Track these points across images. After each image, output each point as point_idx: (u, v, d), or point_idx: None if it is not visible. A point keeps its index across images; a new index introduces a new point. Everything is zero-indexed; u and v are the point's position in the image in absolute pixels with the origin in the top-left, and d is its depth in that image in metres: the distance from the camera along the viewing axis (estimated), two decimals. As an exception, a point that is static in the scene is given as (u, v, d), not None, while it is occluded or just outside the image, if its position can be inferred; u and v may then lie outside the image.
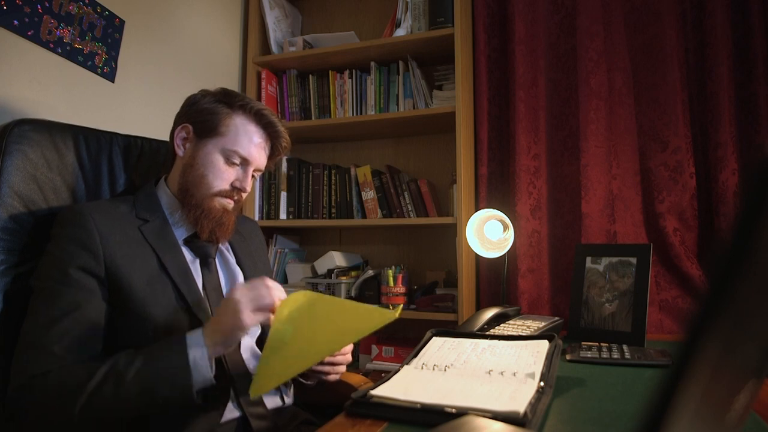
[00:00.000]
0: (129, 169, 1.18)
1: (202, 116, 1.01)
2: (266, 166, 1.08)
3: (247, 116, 1.02)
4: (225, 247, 1.09)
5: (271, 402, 0.97)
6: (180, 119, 1.05)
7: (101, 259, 0.88)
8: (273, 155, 1.09)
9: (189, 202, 0.99)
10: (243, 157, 1.01)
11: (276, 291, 0.84)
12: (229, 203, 1.02)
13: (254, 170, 1.04)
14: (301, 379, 1.03)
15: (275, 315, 0.83)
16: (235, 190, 1.02)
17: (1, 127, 0.99)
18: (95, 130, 1.15)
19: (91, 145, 1.12)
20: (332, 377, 1.00)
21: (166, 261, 0.94)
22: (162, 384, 0.78)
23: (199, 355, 0.79)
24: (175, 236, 0.99)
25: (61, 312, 0.84)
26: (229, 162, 1.00)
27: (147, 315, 0.88)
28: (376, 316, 0.80)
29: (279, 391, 1.00)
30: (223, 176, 1.00)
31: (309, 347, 0.81)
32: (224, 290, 1.02)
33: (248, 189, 1.04)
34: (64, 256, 0.88)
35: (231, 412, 0.91)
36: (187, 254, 1.00)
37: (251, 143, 1.02)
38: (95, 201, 1.06)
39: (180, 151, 1.03)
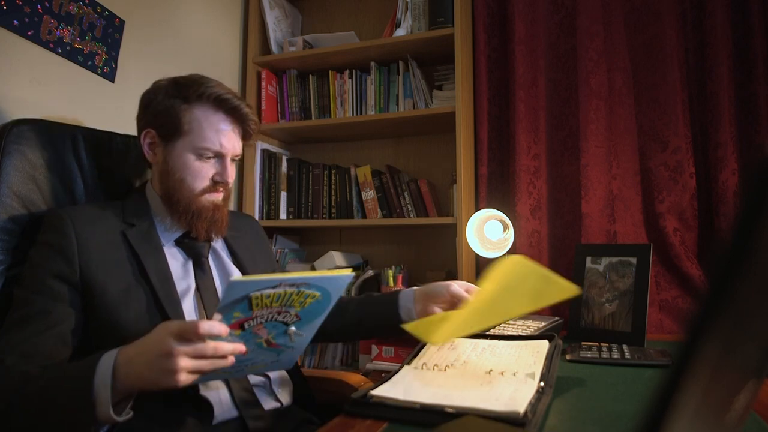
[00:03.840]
0: (127, 169, 1.18)
1: (161, 119, 0.97)
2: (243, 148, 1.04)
3: (207, 105, 0.96)
4: (219, 246, 1.07)
5: (268, 403, 0.96)
6: (141, 125, 1.01)
7: (76, 265, 0.87)
8: (246, 137, 1.04)
9: (177, 208, 0.97)
10: (215, 151, 0.97)
11: (223, 348, 0.70)
12: (217, 197, 1.00)
13: (231, 157, 1.00)
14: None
15: (489, 277, 0.82)
16: (218, 183, 0.99)
17: None
18: (94, 129, 1.15)
19: (90, 144, 1.12)
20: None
21: (147, 265, 0.92)
22: (62, 415, 0.73)
23: (104, 394, 0.71)
24: (161, 240, 0.97)
25: (26, 320, 0.83)
26: (203, 158, 0.97)
27: (119, 322, 0.86)
28: (560, 289, 0.83)
29: (273, 392, 0.99)
30: (201, 174, 0.97)
31: (497, 310, 0.84)
32: (219, 290, 1.00)
33: (230, 179, 1.01)
34: (40, 263, 0.87)
35: (227, 413, 0.89)
36: (179, 255, 0.99)
37: (219, 134, 0.97)
38: (81, 205, 1.04)
39: (151, 158, 1.00)
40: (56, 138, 1.06)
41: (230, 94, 0.98)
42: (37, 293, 0.85)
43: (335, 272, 0.77)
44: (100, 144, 1.14)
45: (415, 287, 1.12)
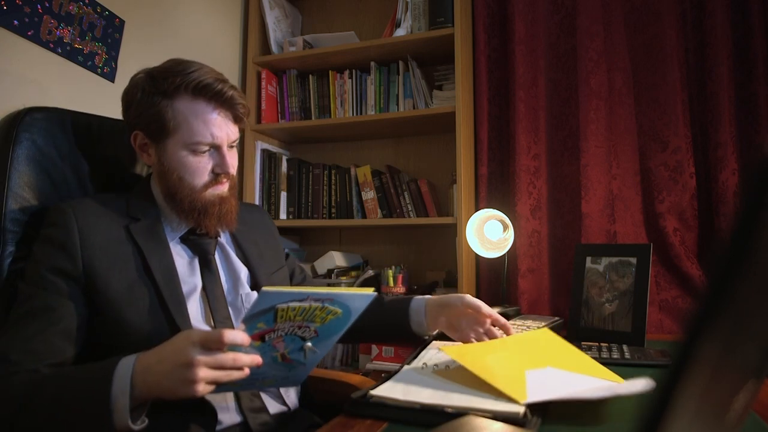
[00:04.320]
0: (140, 159, 1.14)
1: (145, 119, 0.92)
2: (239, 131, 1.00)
3: (187, 96, 0.90)
4: (226, 240, 1.03)
5: (274, 407, 0.94)
6: (127, 126, 0.97)
7: (79, 261, 0.85)
8: (238, 121, 0.97)
9: (182, 207, 0.93)
10: (208, 143, 0.92)
11: (242, 359, 0.70)
12: (222, 189, 0.96)
13: (228, 146, 0.95)
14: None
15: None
16: (219, 174, 0.95)
17: (12, 115, 0.97)
18: (108, 118, 1.12)
19: (104, 133, 1.09)
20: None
21: (152, 262, 0.89)
22: (77, 421, 0.72)
23: (122, 401, 0.70)
24: (166, 236, 0.94)
25: (30, 316, 0.82)
26: (198, 153, 0.92)
27: (123, 318, 0.85)
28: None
29: (281, 395, 0.97)
30: (199, 170, 0.93)
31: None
32: (224, 288, 0.97)
33: (231, 168, 0.96)
34: (43, 258, 0.86)
35: (231, 418, 0.88)
36: (185, 253, 0.96)
37: (208, 125, 0.91)
38: (86, 198, 0.99)
39: (146, 159, 0.97)
40: (68, 126, 1.03)
41: (210, 77, 0.91)
42: (40, 289, 0.83)
43: (360, 290, 0.76)
44: (114, 133, 1.10)
45: (425, 296, 1.09)
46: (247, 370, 0.72)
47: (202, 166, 0.93)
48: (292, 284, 1.20)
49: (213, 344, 0.69)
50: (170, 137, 0.92)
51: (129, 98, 0.95)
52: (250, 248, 1.05)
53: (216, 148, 0.94)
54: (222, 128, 0.93)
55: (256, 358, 0.72)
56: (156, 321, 0.87)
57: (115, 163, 1.12)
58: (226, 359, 0.69)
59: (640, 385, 0.73)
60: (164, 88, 0.90)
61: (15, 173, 0.94)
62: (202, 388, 0.69)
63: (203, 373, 0.68)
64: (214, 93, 0.91)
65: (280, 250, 1.19)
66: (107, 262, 0.87)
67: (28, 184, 0.96)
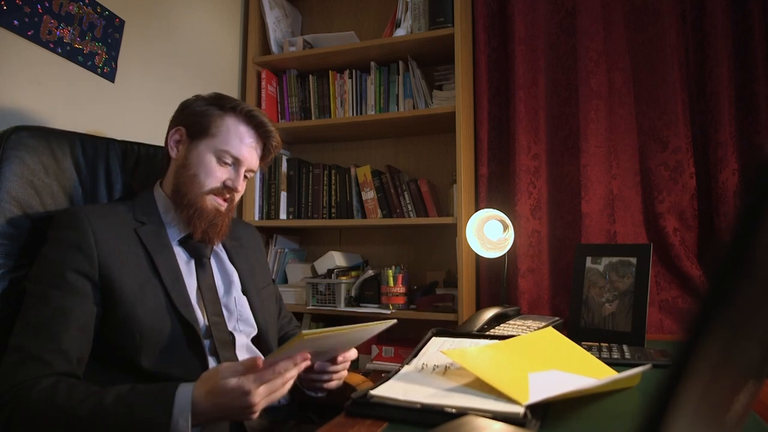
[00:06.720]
0: (126, 175, 1.19)
1: (194, 118, 1.03)
2: (259, 167, 1.10)
3: (238, 117, 1.04)
4: (219, 248, 1.10)
5: None
6: (173, 123, 1.07)
7: (95, 260, 0.89)
8: (265, 156, 1.11)
9: (182, 202, 1.00)
10: (234, 157, 1.02)
11: (292, 372, 0.77)
12: (222, 204, 1.03)
13: (246, 170, 1.05)
14: (309, 393, 1.03)
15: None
16: (227, 189, 1.03)
17: None
18: (92, 136, 1.16)
19: (88, 150, 1.13)
20: (333, 384, 1.00)
21: (158, 263, 0.94)
22: None
23: (183, 422, 0.74)
24: (170, 238, 1.00)
25: (50, 316, 0.84)
26: (221, 162, 1.02)
27: (135, 316, 0.88)
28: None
29: None
30: (215, 175, 1.01)
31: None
32: (219, 289, 1.03)
33: (240, 189, 1.05)
34: (58, 259, 0.88)
35: None
36: (183, 254, 1.01)
37: (242, 143, 1.03)
38: (93, 204, 1.07)
39: (173, 153, 1.05)
40: (54, 144, 1.07)
41: (260, 112, 1.06)
42: (55, 288, 0.86)
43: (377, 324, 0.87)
44: (98, 150, 1.15)
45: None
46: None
47: (218, 174, 1.02)
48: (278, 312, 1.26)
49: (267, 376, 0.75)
50: (205, 138, 1.02)
51: (188, 102, 1.07)
52: (242, 265, 1.12)
53: (237, 165, 1.04)
54: (251, 153, 1.06)
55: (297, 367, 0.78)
56: (165, 319, 0.91)
57: (102, 178, 1.15)
58: (276, 384, 0.76)
59: (638, 368, 0.78)
60: (222, 104, 1.04)
61: (3, 189, 0.96)
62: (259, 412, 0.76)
63: (262, 404, 0.75)
64: (258, 122, 1.06)
65: (268, 269, 1.29)
66: (120, 262, 0.91)
67: (16, 198, 0.98)
